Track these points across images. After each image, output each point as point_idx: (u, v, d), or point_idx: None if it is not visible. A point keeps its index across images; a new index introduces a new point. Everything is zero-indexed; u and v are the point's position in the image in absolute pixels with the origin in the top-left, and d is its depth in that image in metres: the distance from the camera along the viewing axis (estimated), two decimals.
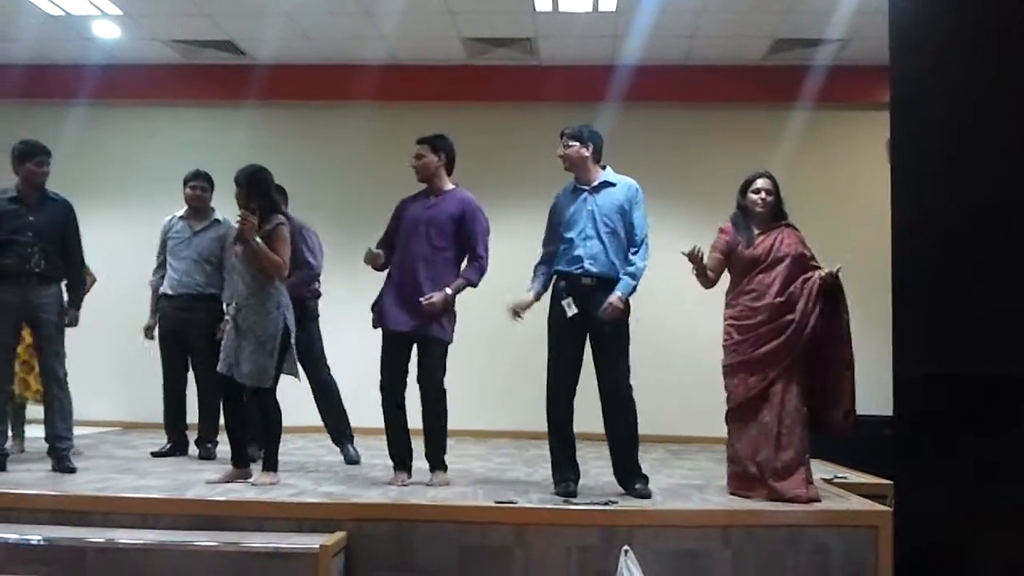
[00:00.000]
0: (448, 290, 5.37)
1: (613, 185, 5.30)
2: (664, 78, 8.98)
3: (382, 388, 5.46)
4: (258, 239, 5.24)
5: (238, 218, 5.28)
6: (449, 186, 5.61)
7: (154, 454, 6.68)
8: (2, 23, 8.46)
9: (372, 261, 5.51)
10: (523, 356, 8.53)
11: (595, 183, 5.29)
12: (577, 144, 5.28)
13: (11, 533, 4.53)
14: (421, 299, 5.31)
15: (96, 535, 4.53)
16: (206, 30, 8.65)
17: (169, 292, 6.64)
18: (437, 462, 5.49)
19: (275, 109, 9.47)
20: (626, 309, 5.15)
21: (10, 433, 6.35)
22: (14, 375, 6.15)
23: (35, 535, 4.51)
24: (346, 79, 9.05)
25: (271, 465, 5.40)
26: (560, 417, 5.21)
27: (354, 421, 6.58)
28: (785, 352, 5.00)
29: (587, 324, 5.14)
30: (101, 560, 4.40)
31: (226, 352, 5.35)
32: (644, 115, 8.72)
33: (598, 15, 8.01)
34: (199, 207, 6.68)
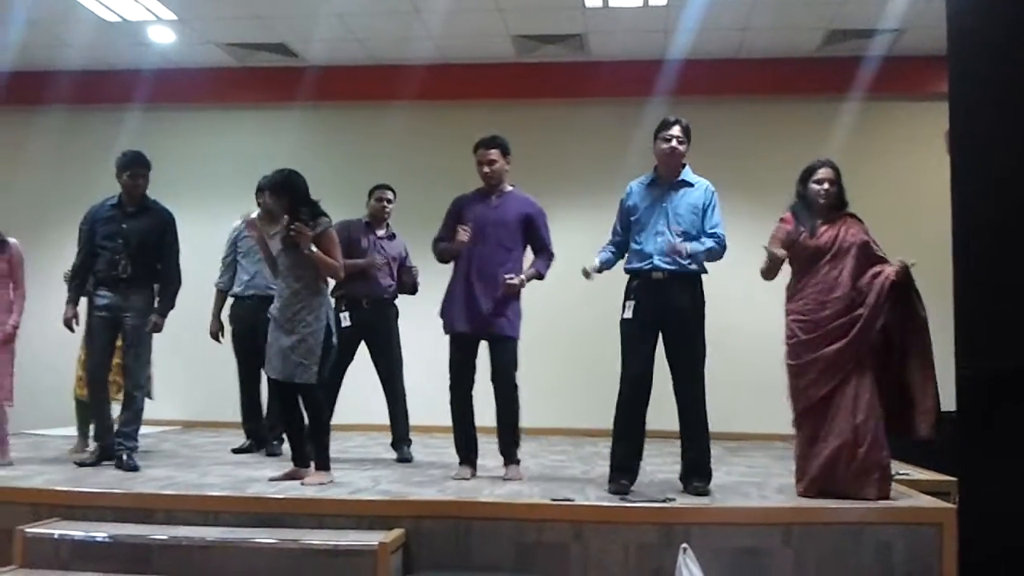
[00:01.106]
0: (523, 275, 5.47)
1: (691, 185, 5.22)
2: (716, 72, 8.92)
3: (452, 389, 5.54)
4: (313, 247, 5.28)
5: (291, 229, 5.28)
6: (508, 187, 5.63)
7: (234, 450, 6.84)
8: (59, 29, 8.62)
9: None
10: (577, 353, 8.60)
11: (676, 180, 5.21)
12: (686, 140, 5.19)
13: (77, 530, 4.63)
14: (506, 278, 5.38)
15: (160, 532, 4.60)
16: (259, 33, 8.75)
17: (240, 293, 6.78)
18: (511, 456, 5.56)
19: (326, 110, 9.57)
20: (696, 292, 5.11)
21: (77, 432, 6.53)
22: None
23: (101, 532, 4.60)
24: (395, 79, 9.11)
25: (323, 463, 5.44)
26: (630, 414, 5.14)
27: (411, 420, 6.62)
28: (854, 349, 4.84)
29: (659, 321, 5.08)
30: (165, 557, 4.47)
31: (269, 351, 5.39)
32: (695, 110, 8.57)
33: (648, 10, 7.97)
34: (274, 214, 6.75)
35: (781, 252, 5.04)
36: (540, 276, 5.62)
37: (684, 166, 5.26)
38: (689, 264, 5.07)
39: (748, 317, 7.29)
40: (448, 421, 5.62)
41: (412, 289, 6.68)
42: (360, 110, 9.53)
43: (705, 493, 5.01)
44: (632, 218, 5.24)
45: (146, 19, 8.50)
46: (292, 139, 9.18)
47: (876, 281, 4.89)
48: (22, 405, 6.02)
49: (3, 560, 4.57)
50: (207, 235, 7.00)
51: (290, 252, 5.36)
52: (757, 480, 5.75)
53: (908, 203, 8.53)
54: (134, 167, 5.95)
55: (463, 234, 5.46)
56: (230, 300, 6.90)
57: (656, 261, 5.08)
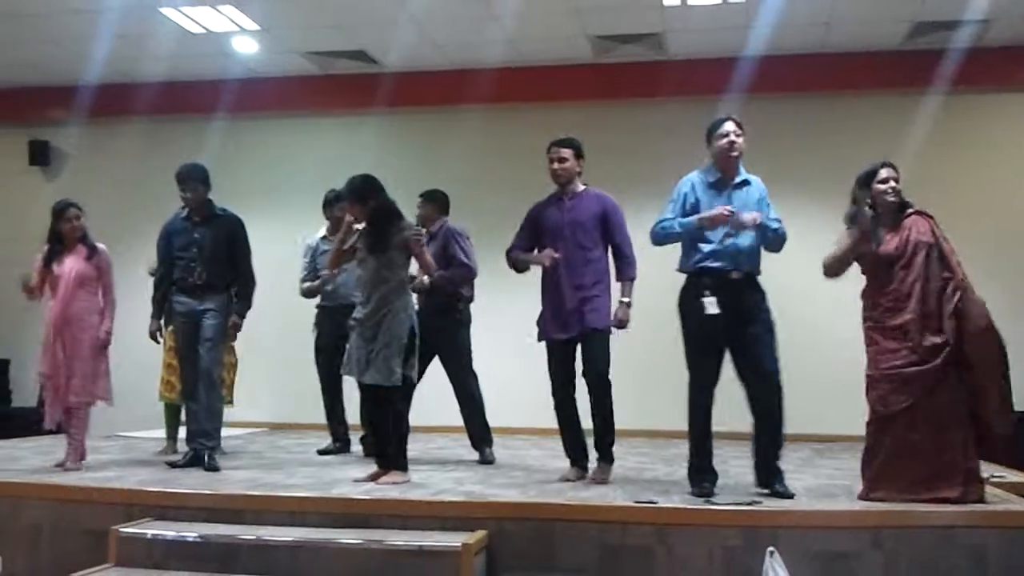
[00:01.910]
0: (626, 299, 5.46)
1: (749, 183, 5.16)
2: (798, 67, 8.78)
3: (554, 394, 5.53)
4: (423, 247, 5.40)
5: (412, 236, 5.36)
6: (581, 187, 5.60)
7: (320, 452, 6.96)
8: (145, 42, 8.85)
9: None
10: (658, 352, 8.49)
11: (737, 180, 5.15)
12: (743, 134, 5.11)
13: (169, 530, 4.73)
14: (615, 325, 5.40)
15: (248, 532, 4.68)
16: (340, 41, 8.88)
17: (326, 304, 6.89)
18: (606, 453, 5.53)
19: (403, 115, 9.66)
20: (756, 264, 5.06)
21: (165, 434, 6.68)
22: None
23: (191, 532, 4.70)
24: (471, 83, 9.14)
25: (401, 464, 5.48)
26: (701, 416, 5.10)
27: (493, 422, 6.63)
28: (934, 369, 4.69)
29: (731, 321, 5.00)
30: (253, 556, 4.54)
31: (355, 356, 5.43)
32: (775, 106, 8.54)
33: (727, 6, 7.90)
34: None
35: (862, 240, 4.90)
36: (632, 279, 5.53)
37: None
38: (757, 245, 5.03)
39: (837, 317, 7.10)
40: (530, 424, 5.63)
41: (454, 286, 6.52)
42: (437, 114, 9.60)
43: (789, 495, 4.92)
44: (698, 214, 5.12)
45: (230, 30, 8.68)
46: (371, 145, 9.29)
47: (946, 303, 4.73)
48: (113, 409, 6.18)
49: (98, 559, 4.70)
50: (289, 241, 7.11)
51: (375, 258, 5.41)
52: (846, 483, 5.62)
53: (994, 197, 8.29)
54: (181, 183, 6.13)
55: (548, 259, 5.44)
56: (314, 310, 7.00)
57: (737, 261, 5.00)
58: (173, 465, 6.05)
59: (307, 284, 6.91)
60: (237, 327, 6.19)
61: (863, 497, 4.87)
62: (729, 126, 5.09)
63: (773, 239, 5.08)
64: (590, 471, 5.57)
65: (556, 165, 5.53)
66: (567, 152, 5.52)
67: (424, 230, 5.59)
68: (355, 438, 7.01)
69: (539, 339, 5.58)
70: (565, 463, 5.59)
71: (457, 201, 6.78)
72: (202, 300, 6.06)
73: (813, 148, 8.63)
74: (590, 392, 5.45)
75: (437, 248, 6.43)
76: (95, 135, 10.23)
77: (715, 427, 5.13)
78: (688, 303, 5.08)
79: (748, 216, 4.92)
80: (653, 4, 7.90)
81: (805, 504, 4.83)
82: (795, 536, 4.49)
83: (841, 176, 8.18)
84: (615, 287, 5.55)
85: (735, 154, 5.08)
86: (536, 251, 5.58)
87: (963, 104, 8.64)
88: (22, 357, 9.83)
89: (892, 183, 4.94)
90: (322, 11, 8.19)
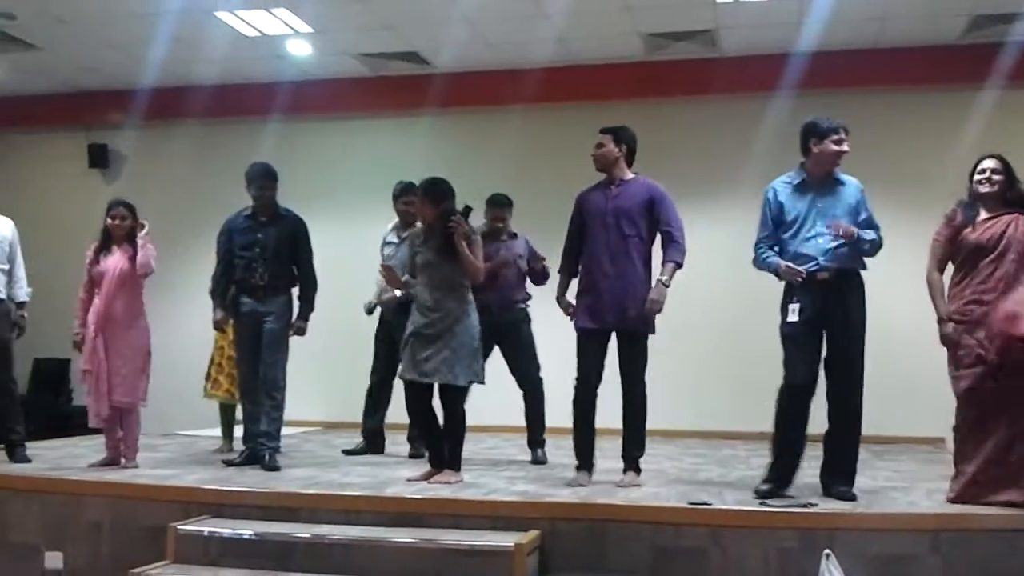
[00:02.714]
0: (664, 278, 5.25)
1: (843, 184, 5.06)
2: (852, 63, 8.67)
3: (578, 385, 5.38)
4: (464, 243, 5.36)
5: (451, 223, 5.35)
6: (629, 175, 5.49)
7: (346, 452, 6.93)
8: (199, 46, 8.97)
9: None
10: (714, 353, 8.47)
11: (828, 180, 5.05)
12: (846, 140, 5.01)
13: (225, 528, 4.80)
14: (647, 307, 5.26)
15: (303, 530, 4.74)
16: (392, 42, 8.92)
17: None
18: (632, 461, 5.41)
19: (455, 115, 9.69)
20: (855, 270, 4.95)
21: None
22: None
23: (247, 530, 4.76)
24: (522, 81, 9.16)
25: (454, 464, 5.51)
26: (795, 431, 4.98)
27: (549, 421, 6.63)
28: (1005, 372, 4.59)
29: (823, 324, 4.93)
30: (308, 554, 4.59)
31: (419, 358, 5.42)
32: (828, 102, 8.35)
33: (781, 2, 7.80)
34: (410, 221, 6.87)
35: None
36: (679, 265, 5.31)
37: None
38: (849, 250, 4.91)
39: (895, 316, 7.03)
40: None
41: (543, 277, 6.68)
42: (486, 114, 9.62)
43: (852, 498, 4.85)
44: (780, 224, 5.06)
45: (284, 33, 8.76)
46: (421, 145, 9.33)
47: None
48: (171, 407, 6.27)
49: (157, 555, 4.78)
50: (343, 241, 7.16)
51: (443, 262, 5.41)
52: (904, 485, 5.55)
53: None
54: (261, 179, 6.18)
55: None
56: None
57: (821, 261, 4.90)
58: (229, 463, 6.13)
59: (367, 302, 6.95)
60: (301, 331, 6.24)
61: (950, 500, 4.77)
62: (843, 133, 5.01)
63: (868, 250, 4.99)
64: (620, 477, 5.44)
65: (595, 151, 5.47)
66: (606, 138, 5.45)
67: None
68: (391, 438, 7.01)
69: (576, 326, 5.44)
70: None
71: (517, 200, 6.80)
72: (264, 302, 6.11)
73: (868, 145, 8.46)
74: (626, 394, 5.33)
75: (522, 251, 6.63)
76: (151, 138, 10.40)
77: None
78: (782, 306, 5.04)
79: (836, 226, 4.85)
80: (706, 0, 7.84)
81: (863, 506, 4.76)
82: (852, 539, 4.44)
83: (897, 173, 8.12)
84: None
85: (837, 162, 5.01)
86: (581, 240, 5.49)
87: (1022, 100, 8.46)
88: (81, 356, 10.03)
89: (988, 174, 4.83)
90: (375, 13, 8.24)
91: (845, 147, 5.01)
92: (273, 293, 6.14)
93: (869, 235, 4.94)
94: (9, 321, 6.28)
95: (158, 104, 9.98)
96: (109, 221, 6.07)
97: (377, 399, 6.99)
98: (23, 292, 6.39)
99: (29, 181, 10.81)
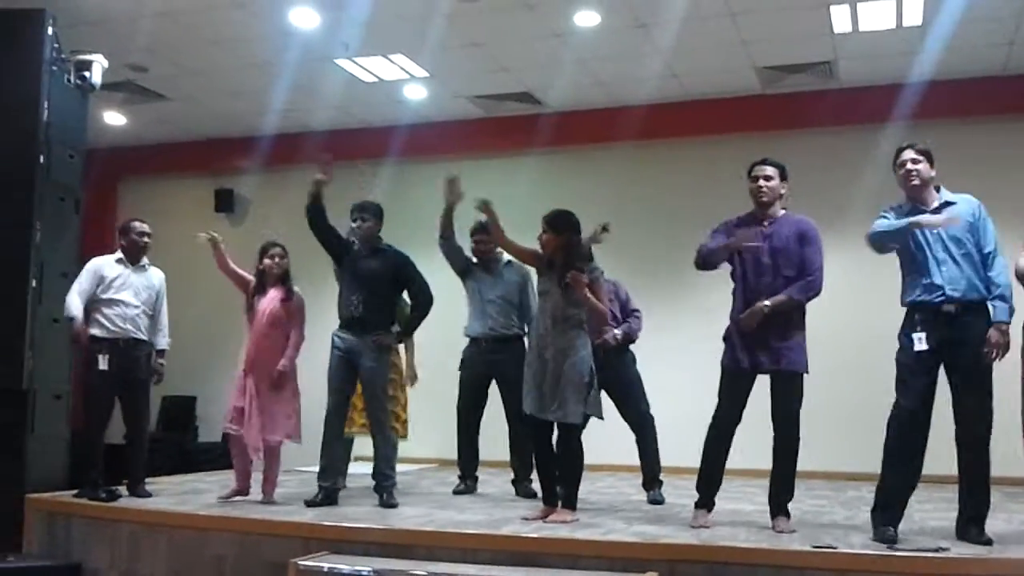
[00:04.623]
0: (767, 303, 5.05)
1: (954, 204, 4.87)
2: (979, 90, 8.40)
3: (715, 424, 5.23)
4: (588, 292, 5.33)
5: (567, 277, 5.33)
6: (781, 211, 5.31)
7: (456, 492, 6.91)
8: (319, 92, 9.25)
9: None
10: (837, 391, 8.21)
11: (935, 204, 4.88)
12: (923, 160, 4.86)
13: (344, 564, 4.83)
14: (741, 317, 5.11)
15: (420, 568, 4.73)
16: (505, 84, 9.05)
17: (477, 336, 6.88)
18: (781, 506, 5.21)
19: (564, 153, 9.74)
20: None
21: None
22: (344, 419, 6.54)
23: (366, 566, 4.78)
24: (630, 118, 9.15)
25: (571, 503, 5.45)
26: (903, 455, 4.79)
27: (662, 461, 6.54)
28: None
29: (945, 355, 4.74)
30: None
31: (536, 393, 5.43)
32: (952, 130, 8.17)
33: (902, 31, 7.64)
34: (480, 256, 6.91)
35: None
36: (795, 300, 5.10)
37: (938, 188, 4.94)
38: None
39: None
40: (697, 463, 5.42)
41: (628, 339, 6.54)
42: (596, 152, 9.64)
43: (988, 542, 4.61)
44: (909, 252, 4.86)
45: (400, 78, 8.97)
46: (527, 182, 9.39)
47: None
48: (293, 444, 6.37)
49: None
50: (453, 279, 7.20)
51: (561, 293, 5.40)
52: None
53: None
54: (357, 211, 6.29)
55: (754, 236, 5.11)
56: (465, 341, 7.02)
57: (948, 291, 4.70)
58: (310, 504, 5.96)
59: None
60: (383, 343, 6.16)
61: None
62: (906, 155, 4.88)
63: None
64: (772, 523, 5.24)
65: (762, 183, 5.24)
66: (772, 171, 5.27)
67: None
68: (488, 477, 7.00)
69: (722, 363, 5.28)
70: (738, 505, 5.36)
71: (632, 239, 6.74)
72: (360, 337, 6.11)
73: (998, 173, 8.20)
74: (777, 436, 5.14)
75: (611, 292, 6.43)
76: (273, 182, 10.72)
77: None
78: (901, 335, 4.87)
79: (940, 219, 4.70)
80: (823, 31, 7.72)
81: (997, 551, 4.53)
82: None
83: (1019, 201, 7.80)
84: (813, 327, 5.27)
85: (909, 180, 4.86)
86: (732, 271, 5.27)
87: None
88: (208, 394, 10.34)
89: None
90: (488, 56, 8.38)
91: (908, 167, 4.84)
92: (368, 329, 6.11)
93: (1004, 306, 4.71)
94: (149, 363, 6.51)
95: (279, 149, 10.32)
96: (267, 262, 6.26)
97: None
98: (164, 341, 6.61)
99: (159, 225, 11.04)
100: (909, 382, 4.77)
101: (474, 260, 6.96)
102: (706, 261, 5.31)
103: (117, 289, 6.36)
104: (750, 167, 5.37)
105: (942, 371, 4.79)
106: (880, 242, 4.90)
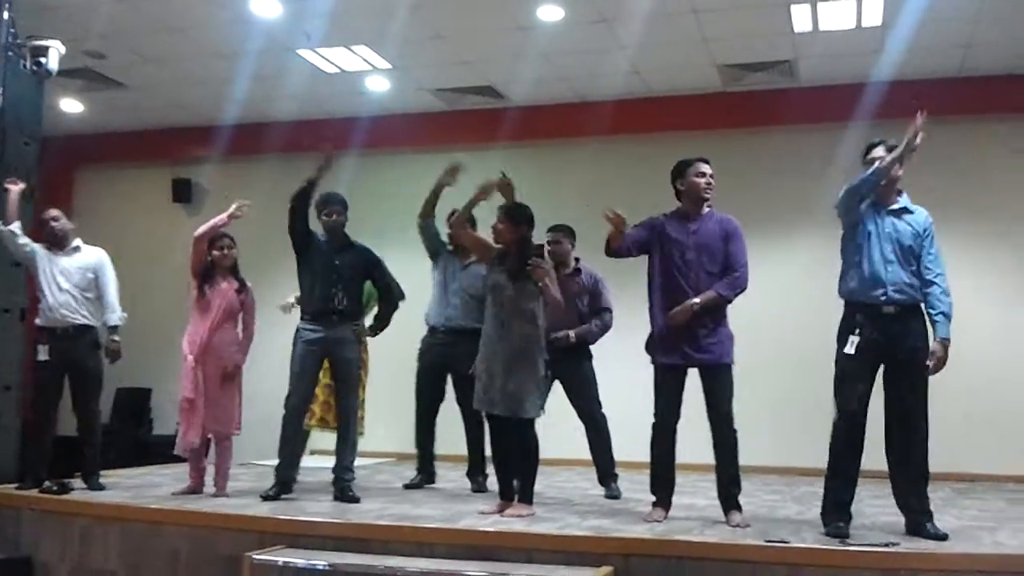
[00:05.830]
0: (696, 300, 5.13)
1: (911, 212, 4.96)
2: (935, 91, 8.48)
3: (657, 423, 5.28)
4: (548, 280, 5.34)
5: (529, 264, 5.33)
6: (706, 209, 5.40)
7: (406, 486, 6.89)
8: (281, 83, 9.17)
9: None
10: (790, 387, 8.29)
11: (896, 207, 4.96)
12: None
13: (300, 558, 4.80)
14: (669, 315, 5.16)
15: (376, 561, 4.71)
16: (468, 77, 9.03)
17: (436, 325, 6.87)
18: (732, 500, 5.22)
19: (528, 148, 9.71)
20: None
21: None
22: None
23: (321, 560, 4.76)
24: (594, 114, 9.18)
25: (528, 497, 5.46)
26: (847, 457, 4.88)
27: (617, 456, 6.54)
28: None
29: (882, 357, 4.82)
30: None
31: (488, 388, 5.43)
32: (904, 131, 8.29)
33: (861, 31, 7.71)
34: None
35: None
36: (723, 298, 5.19)
37: (900, 192, 5.01)
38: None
39: (979, 347, 6.83)
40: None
41: (583, 341, 6.51)
42: (560, 147, 9.66)
43: (943, 537, 4.67)
44: (857, 241, 4.95)
45: (363, 69, 8.91)
46: (493, 177, 9.35)
47: None
48: (249, 437, 6.33)
49: None
50: (417, 273, 7.18)
51: (515, 286, 5.40)
52: (990, 524, 5.36)
53: None
54: (329, 204, 6.20)
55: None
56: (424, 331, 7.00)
57: (890, 293, 4.79)
58: (265, 498, 5.89)
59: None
60: (363, 335, 6.28)
61: None
62: (879, 151, 4.95)
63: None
64: (726, 518, 5.27)
65: (712, 180, 5.32)
66: (708, 167, 5.35)
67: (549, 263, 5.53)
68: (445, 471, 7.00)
69: (652, 361, 5.35)
70: (696, 499, 5.40)
71: (592, 233, 6.74)
72: (335, 330, 6.08)
73: (951, 173, 8.30)
74: (715, 430, 5.20)
75: (584, 287, 6.48)
76: (233, 172, 10.61)
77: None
78: (840, 334, 4.94)
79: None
80: (784, 31, 7.78)
81: (947, 546, 4.59)
82: None
83: (978, 201, 7.91)
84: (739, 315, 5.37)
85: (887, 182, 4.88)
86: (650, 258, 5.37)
87: None
88: (163, 385, 10.23)
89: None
90: (451, 49, 8.35)
91: (898, 170, 4.90)
92: (345, 321, 6.10)
93: (947, 324, 4.81)
94: (95, 349, 6.42)
95: (239, 139, 10.22)
96: (216, 253, 6.19)
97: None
98: (115, 317, 6.47)
99: (115, 215, 11.09)
100: (847, 384, 4.85)
101: (449, 247, 6.95)
102: (619, 253, 5.37)
103: (47, 276, 6.30)
104: (693, 161, 5.39)
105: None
106: (859, 192, 4.91)
